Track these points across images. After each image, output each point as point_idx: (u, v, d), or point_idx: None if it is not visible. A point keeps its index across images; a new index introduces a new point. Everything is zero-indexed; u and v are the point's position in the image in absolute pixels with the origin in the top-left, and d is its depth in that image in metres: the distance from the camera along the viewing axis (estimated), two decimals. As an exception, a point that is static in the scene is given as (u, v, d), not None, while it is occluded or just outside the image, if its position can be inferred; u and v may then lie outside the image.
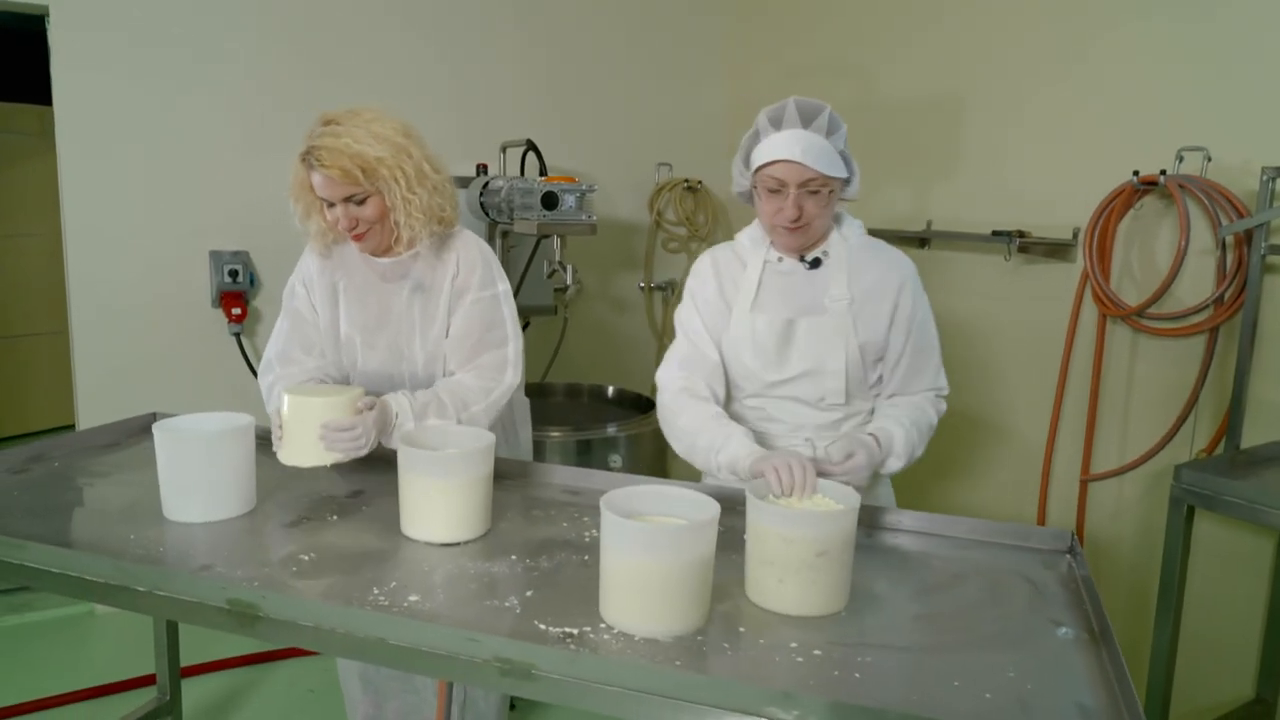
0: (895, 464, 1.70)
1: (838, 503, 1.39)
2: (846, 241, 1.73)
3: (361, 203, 1.78)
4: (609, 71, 3.94)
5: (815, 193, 1.61)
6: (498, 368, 1.88)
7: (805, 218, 1.62)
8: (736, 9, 4.10)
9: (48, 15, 3.01)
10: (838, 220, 1.76)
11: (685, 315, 1.82)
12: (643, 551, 1.18)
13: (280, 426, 1.69)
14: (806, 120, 1.59)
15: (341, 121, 1.76)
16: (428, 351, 1.92)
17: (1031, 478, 2.93)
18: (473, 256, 1.91)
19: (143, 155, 3.16)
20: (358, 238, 1.83)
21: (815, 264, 1.72)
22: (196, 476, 1.55)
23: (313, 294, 1.97)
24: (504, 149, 3.35)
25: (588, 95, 3.91)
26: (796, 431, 1.75)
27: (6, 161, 4.94)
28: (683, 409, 1.73)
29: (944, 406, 1.81)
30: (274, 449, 1.70)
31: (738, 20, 4.10)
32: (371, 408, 1.70)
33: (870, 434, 1.66)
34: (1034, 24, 2.85)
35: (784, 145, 1.58)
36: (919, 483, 3.34)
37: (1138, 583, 2.64)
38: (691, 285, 1.83)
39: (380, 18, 3.46)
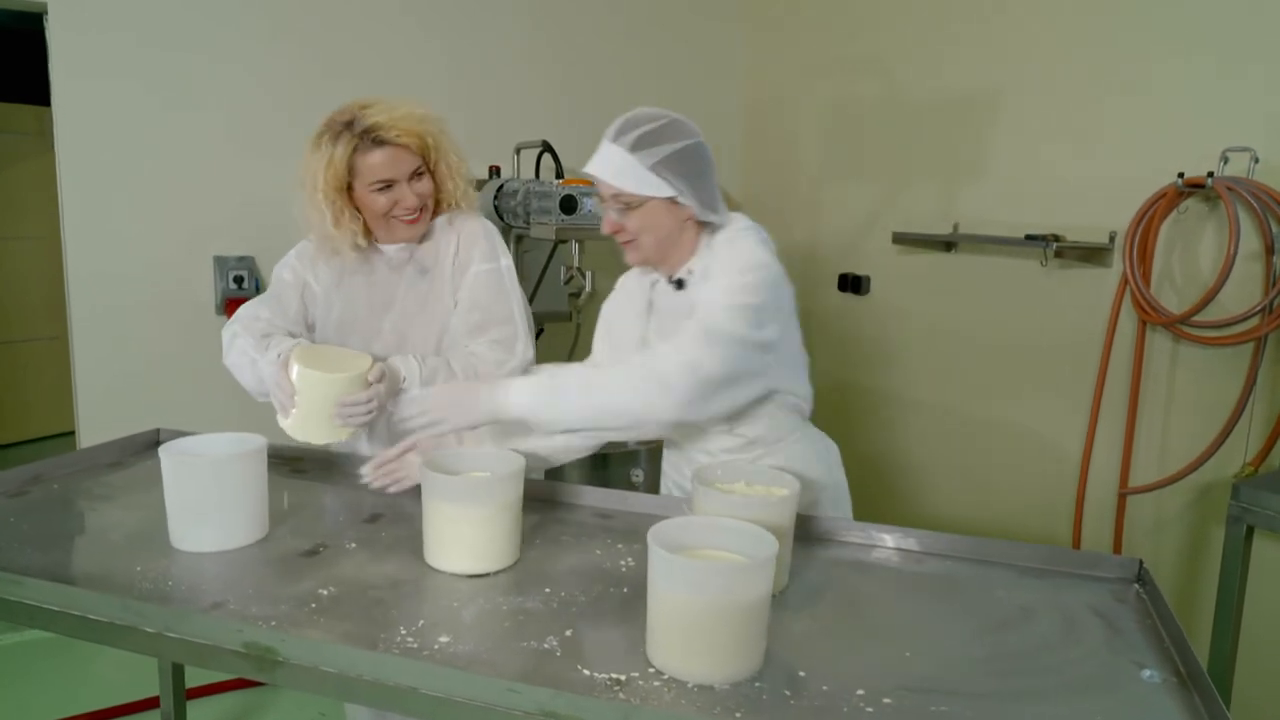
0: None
1: (785, 489, 1.40)
2: (717, 257, 1.59)
3: (421, 177, 1.76)
4: (622, 71, 3.84)
5: (629, 209, 1.56)
6: (508, 341, 1.83)
7: (627, 233, 1.58)
8: (753, 6, 4.01)
9: (46, 14, 2.91)
10: (713, 238, 1.62)
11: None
12: (698, 591, 1.09)
13: (277, 388, 1.66)
14: (618, 133, 1.54)
15: (380, 100, 1.73)
16: (434, 334, 1.86)
17: (1065, 491, 2.84)
18: (474, 231, 1.86)
19: (144, 158, 3.06)
20: (415, 219, 1.79)
21: (680, 285, 1.64)
22: (207, 504, 1.45)
23: (313, 272, 1.91)
24: (518, 150, 3.25)
25: (601, 95, 3.80)
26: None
27: (3, 162, 4.85)
28: None
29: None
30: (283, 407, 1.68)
31: (755, 18, 4.00)
32: (381, 378, 1.67)
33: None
34: (1068, 18, 2.75)
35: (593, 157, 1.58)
36: (948, 496, 3.25)
37: (1180, 601, 2.55)
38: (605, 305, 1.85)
39: (389, 17, 3.36)
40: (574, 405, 1.50)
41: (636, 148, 1.52)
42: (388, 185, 1.73)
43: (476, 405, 1.52)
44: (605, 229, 1.60)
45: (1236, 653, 1.97)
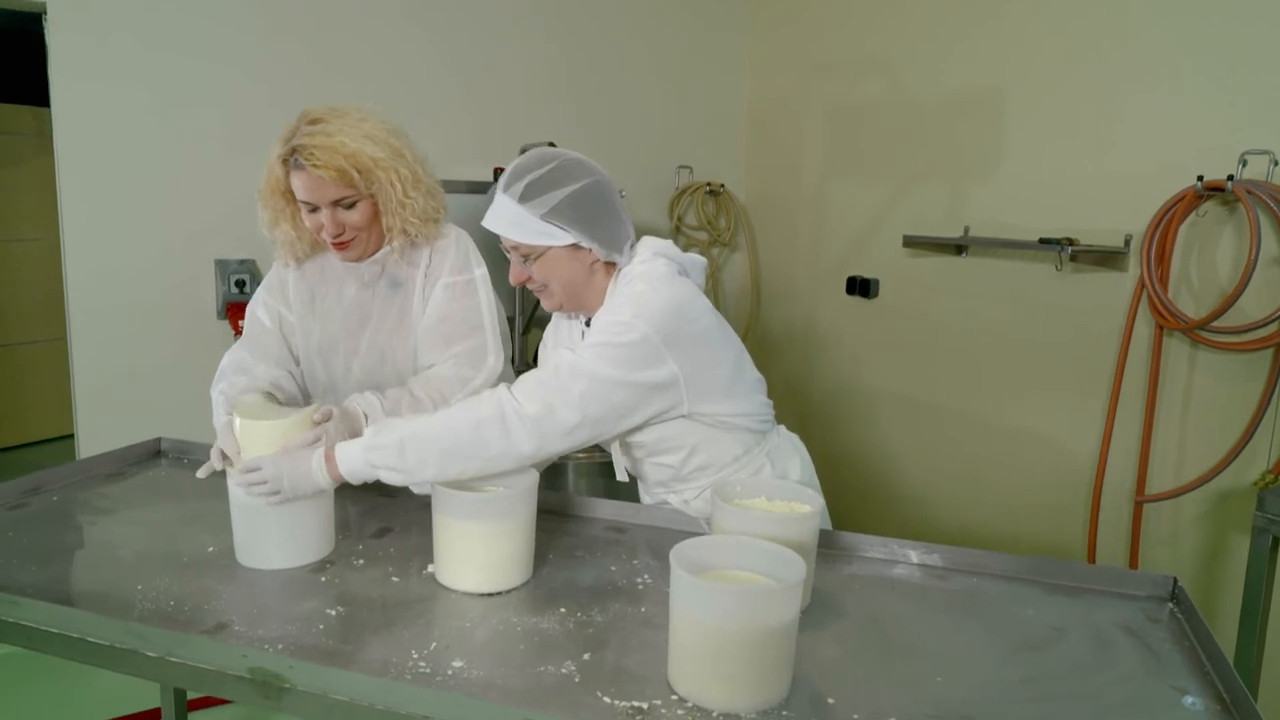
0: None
1: (807, 505, 1.37)
2: (612, 297, 1.56)
3: (350, 207, 1.66)
4: (628, 71, 3.80)
5: (530, 259, 1.52)
6: (476, 355, 1.74)
7: (535, 283, 1.55)
8: (758, 6, 3.96)
9: (45, 15, 2.87)
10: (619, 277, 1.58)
11: None
12: (724, 616, 1.04)
13: (224, 447, 1.49)
14: (507, 183, 1.50)
15: (328, 119, 1.63)
16: (410, 349, 1.80)
17: (1079, 500, 2.79)
18: (445, 243, 1.79)
19: (144, 159, 3.02)
20: (341, 245, 1.70)
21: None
22: (279, 521, 1.42)
23: (285, 302, 1.85)
24: (523, 151, 3.21)
25: (606, 96, 3.77)
26: None
27: (2, 163, 4.80)
28: None
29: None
30: (210, 467, 1.50)
31: (760, 17, 3.96)
32: (329, 418, 1.53)
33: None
34: (1081, 16, 2.71)
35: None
36: (959, 504, 3.21)
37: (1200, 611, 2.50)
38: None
39: (391, 18, 3.32)
40: (418, 459, 1.40)
41: (525, 198, 1.47)
42: (313, 208, 1.66)
43: (309, 473, 1.41)
44: (512, 280, 1.57)
45: (1263, 662, 1.93)
